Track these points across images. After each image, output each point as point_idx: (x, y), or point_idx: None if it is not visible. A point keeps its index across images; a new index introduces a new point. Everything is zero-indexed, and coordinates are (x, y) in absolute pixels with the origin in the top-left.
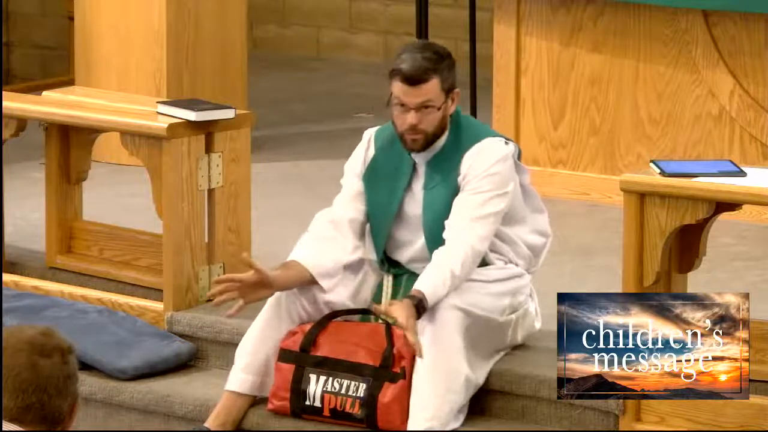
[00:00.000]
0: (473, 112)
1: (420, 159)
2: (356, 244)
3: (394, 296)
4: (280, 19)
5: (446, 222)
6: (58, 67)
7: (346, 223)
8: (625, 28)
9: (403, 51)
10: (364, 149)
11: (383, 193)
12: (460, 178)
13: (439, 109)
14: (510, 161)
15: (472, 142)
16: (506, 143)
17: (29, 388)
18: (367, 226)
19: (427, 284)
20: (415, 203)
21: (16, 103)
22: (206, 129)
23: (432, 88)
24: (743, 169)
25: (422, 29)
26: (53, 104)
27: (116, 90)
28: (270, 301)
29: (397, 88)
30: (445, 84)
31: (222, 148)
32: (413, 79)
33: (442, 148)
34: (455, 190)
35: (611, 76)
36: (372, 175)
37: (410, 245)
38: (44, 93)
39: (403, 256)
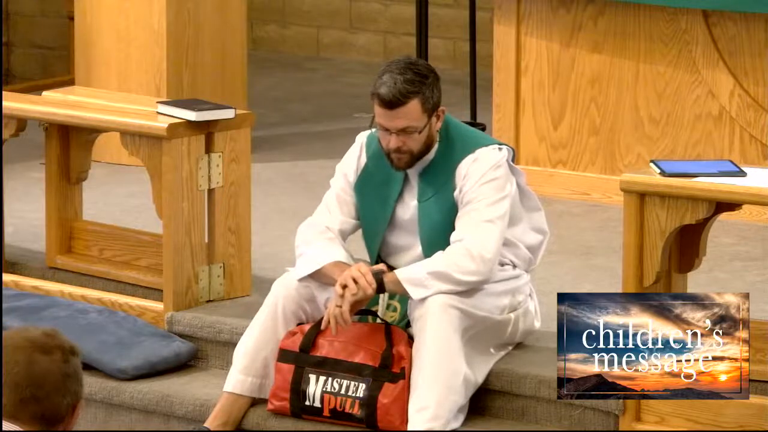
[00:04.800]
0: (473, 112)
1: (412, 170)
2: (346, 249)
3: (391, 298)
4: (280, 19)
5: (451, 237)
6: (58, 67)
7: (336, 233)
8: (625, 28)
9: (384, 71)
10: (357, 156)
11: (375, 201)
12: (456, 192)
13: (420, 132)
14: (504, 166)
15: (464, 153)
16: (499, 149)
17: (23, 383)
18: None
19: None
20: (408, 211)
21: (16, 103)
22: (206, 129)
23: (412, 110)
24: (743, 169)
25: (422, 29)
26: (53, 104)
27: (116, 90)
28: (267, 301)
29: (378, 111)
30: (428, 104)
31: (222, 148)
32: (391, 103)
33: (434, 160)
34: (451, 203)
35: (611, 76)
36: (364, 184)
37: (407, 251)
38: (44, 93)
39: (400, 262)
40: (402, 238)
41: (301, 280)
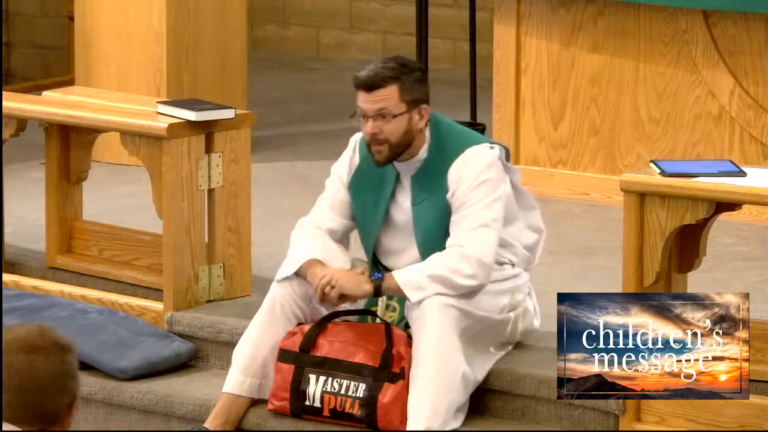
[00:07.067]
0: (473, 112)
1: (404, 170)
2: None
3: (389, 298)
4: (280, 19)
5: (447, 242)
6: (58, 67)
7: (325, 231)
8: (625, 28)
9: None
10: (349, 156)
11: (368, 202)
12: (449, 195)
13: (395, 117)
14: (497, 165)
15: (455, 153)
16: (491, 148)
17: (27, 385)
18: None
19: (403, 270)
20: (401, 213)
21: (16, 103)
22: (206, 129)
23: (388, 94)
24: (743, 169)
25: (422, 29)
26: (53, 104)
27: (116, 90)
28: (265, 302)
29: (359, 96)
30: (407, 95)
31: (222, 148)
32: (368, 85)
33: (425, 160)
34: (444, 206)
35: (611, 76)
36: (357, 184)
37: (401, 254)
38: (44, 93)
39: (396, 264)
40: (397, 240)
41: (287, 279)
